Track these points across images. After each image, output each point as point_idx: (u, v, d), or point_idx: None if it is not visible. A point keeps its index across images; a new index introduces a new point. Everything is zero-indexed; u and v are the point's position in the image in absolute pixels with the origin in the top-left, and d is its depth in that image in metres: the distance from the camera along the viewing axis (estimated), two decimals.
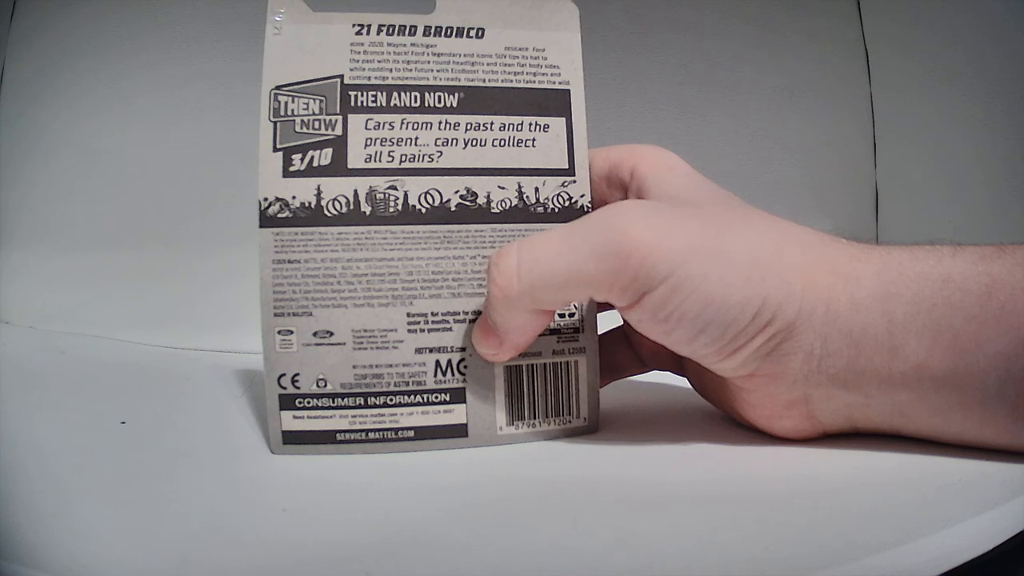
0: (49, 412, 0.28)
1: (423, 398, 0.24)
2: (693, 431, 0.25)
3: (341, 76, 0.25)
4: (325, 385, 0.24)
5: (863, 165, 0.46)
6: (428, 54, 0.25)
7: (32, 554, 0.16)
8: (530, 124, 0.26)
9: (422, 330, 0.24)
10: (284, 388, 0.24)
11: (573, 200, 0.26)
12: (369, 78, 0.25)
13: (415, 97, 0.25)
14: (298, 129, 0.24)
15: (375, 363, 0.24)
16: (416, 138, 0.25)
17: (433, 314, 0.24)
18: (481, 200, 0.25)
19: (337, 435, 0.24)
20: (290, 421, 0.24)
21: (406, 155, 0.25)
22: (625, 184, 0.26)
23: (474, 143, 0.25)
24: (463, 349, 0.25)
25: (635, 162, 0.25)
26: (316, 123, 0.24)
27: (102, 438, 0.25)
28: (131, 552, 0.17)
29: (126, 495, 0.20)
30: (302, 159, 0.24)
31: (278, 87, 0.24)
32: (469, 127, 0.25)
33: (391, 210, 0.25)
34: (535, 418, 0.25)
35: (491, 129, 0.25)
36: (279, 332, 0.24)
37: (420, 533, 0.18)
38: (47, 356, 0.37)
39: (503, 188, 0.25)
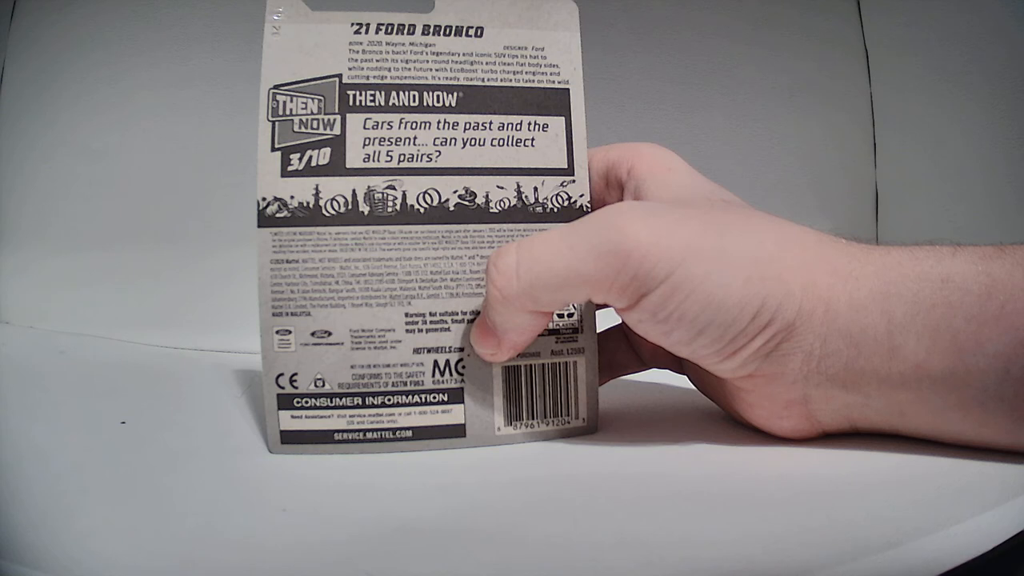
0: (49, 412, 0.28)
1: (421, 398, 0.24)
2: (693, 431, 0.25)
3: (340, 75, 0.25)
4: (323, 385, 0.24)
5: (863, 165, 0.46)
6: (427, 53, 0.25)
7: (32, 554, 0.16)
8: (529, 124, 0.26)
9: (420, 330, 0.24)
10: (282, 388, 0.24)
11: (572, 200, 0.26)
12: (368, 77, 0.25)
13: (414, 96, 0.25)
14: (296, 129, 0.24)
15: (373, 363, 0.24)
16: (415, 138, 0.25)
17: (431, 314, 0.24)
18: (480, 200, 0.25)
19: (335, 435, 0.24)
20: (288, 421, 0.24)
21: (404, 155, 0.25)
22: (622, 183, 0.26)
23: (473, 143, 0.25)
24: (461, 349, 0.25)
25: (633, 161, 0.25)
26: (314, 122, 0.24)
27: (102, 438, 0.25)
28: (131, 552, 0.17)
29: (126, 495, 0.20)
30: (300, 159, 0.24)
31: (276, 86, 0.24)
32: (468, 126, 0.25)
33: (389, 210, 0.25)
34: (533, 418, 0.25)
35: (490, 128, 0.25)
36: (277, 332, 0.24)
37: (419, 533, 0.18)
38: (47, 356, 0.37)
39: (502, 188, 0.25)
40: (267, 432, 0.24)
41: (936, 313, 0.20)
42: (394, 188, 0.25)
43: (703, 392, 0.27)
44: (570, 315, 0.26)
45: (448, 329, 0.25)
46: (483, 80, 0.26)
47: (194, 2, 0.41)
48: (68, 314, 0.41)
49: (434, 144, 0.25)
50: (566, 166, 0.26)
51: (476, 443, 0.25)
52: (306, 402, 0.24)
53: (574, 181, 0.26)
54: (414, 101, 0.25)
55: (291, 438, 0.24)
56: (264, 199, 0.24)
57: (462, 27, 0.26)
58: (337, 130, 0.25)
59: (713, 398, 0.27)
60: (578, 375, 0.26)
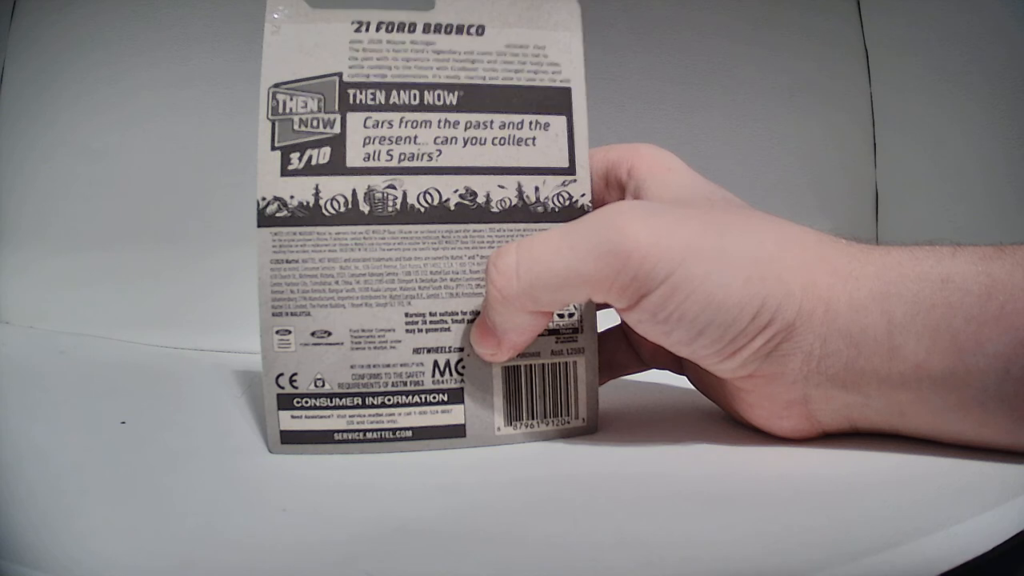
0: (49, 412, 0.28)
1: (421, 398, 0.24)
2: (693, 431, 0.25)
3: (340, 74, 0.25)
4: (323, 385, 0.24)
5: (863, 165, 0.46)
6: (427, 52, 0.25)
7: (32, 554, 0.16)
8: (530, 123, 0.26)
9: (420, 330, 0.24)
10: (282, 388, 0.24)
11: (573, 199, 0.26)
12: (368, 76, 0.25)
13: (414, 95, 0.25)
14: (296, 128, 0.24)
15: (373, 363, 0.24)
16: (415, 137, 0.25)
17: (431, 314, 0.24)
18: (480, 199, 0.25)
19: (335, 435, 0.24)
20: (288, 421, 0.24)
21: (405, 154, 0.25)
22: (622, 184, 0.26)
23: (474, 142, 0.25)
24: (461, 349, 0.25)
25: (633, 162, 0.25)
26: (314, 121, 0.24)
27: (102, 438, 0.25)
28: (131, 552, 0.17)
29: (126, 495, 0.20)
30: (300, 158, 0.24)
31: (276, 85, 0.24)
32: (469, 125, 0.25)
33: (389, 209, 0.25)
34: (533, 419, 0.25)
35: (491, 128, 0.25)
36: (277, 332, 0.24)
37: (419, 533, 0.18)
38: (47, 356, 0.37)
39: (503, 187, 0.25)
40: (267, 432, 0.24)
41: (936, 313, 0.20)
42: (394, 187, 0.25)
43: (703, 392, 0.27)
44: (570, 315, 0.26)
45: (448, 329, 0.25)
46: (484, 79, 0.26)
47: (194, 2, 0.41)
48: (68, 314, 0.41)
49: (435, 143, 0.25)
50: (567, 165, 0.26)
51: (476, 443, 0.25)
52: (306, 402, 0.24)
53: (575, 180, 0.26)
54: (415, 100, 0.25)
55: (291, 438, 0.24)
56: (264, 199, 0.24)
57: (463, 26, 0.26)
58: (337, 129, 0.24)
59: (713, 398, 0.27)
60: (578, 375, 0.26)
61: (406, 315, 0.24)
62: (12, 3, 0.41)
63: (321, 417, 0.24)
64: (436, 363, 0.24)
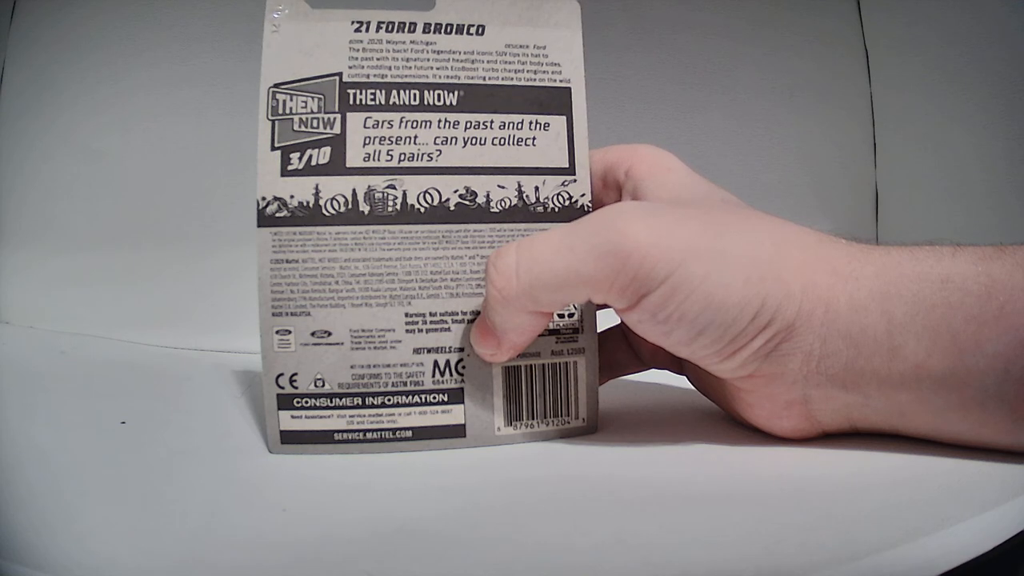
0: (49, 412, 0.28)
1: (421, 398, 0.24)
2: (693, 431, 0.25)
3: (340, 74, 0.25)
4: (323, 385, 0.24)
5: (863, 165, 0.46)
6: (427, 52, 0.25)
7: (32, 554, 0.16)
8: (530, 123, 0.26)
9: (420, 330, 0.24)
10: (282, 388, 0.24)
11: (573, 199, 0.26)
12: (368, 76, 0.25)
13: (414, 95, 0.25)
14: (296, 128, 0.24)
15: (373, 363, 0.24)
16: (415, 137, 0.25)
17: (431, 314, 0.24)
18: (480, 199, 0.25)
19: (335, 435, 0.24)
20: (288, 421, 0.24)
21: (405, 154, 0.25)
22: (620, 184, 0.26)
23: (474, 142, 0.25)
24: (461, 349, 0.25)
25: (632, 163, 0.25)
26: (314, 121, 0.24)
27: (102, 438, 0.25)
28: (131, 552, 0.17)
29: (126, 495, 0.20)
30: (300, 158, 0.24)
31: (276, 85, 0.24)
32: (469, 125, 0.25)
33: (389, 209, 0.25)
34: (533, 419, 0.25)
35: (491, 128, 0.25)
36: (277, 332, 0.24)
37: (419, 533, 0.18)
38: (47, 356, 0.37)
39: (503, 187, 0.25)
40: (267, 432, 0.24)
41: (936, 313, 0.20)
42: (394, 187, 0.25)
43: (703, 392, 0.27)
44: (570, 315, 0.26)
45: (448, 329, 0.25)
46: (484, 79, 0.26)
47: (194, 2, 0.41)
48: (68, 314, 0.41)
49: (435, 143, 0.25)
50: (567, 165, 0.26)
51: (476, 443, 0.25)
52: (306, 402, 0.24)
53: (575, 180, 0.26)
54: (415, 100, 0.25)
55: (291, 438, 0.24)
56: (264, 198, 0.24)
57: (463, 25, 0.26)
58: (337, 129, 0.24)
59: (713, 398, 0.27)
60: (578, 375, 0.26)
61: (406, 315, 0.24)
62: (12, 3, 0.41)
63: (321, 417, 0.24)
64: (436, 363, 0.24)
